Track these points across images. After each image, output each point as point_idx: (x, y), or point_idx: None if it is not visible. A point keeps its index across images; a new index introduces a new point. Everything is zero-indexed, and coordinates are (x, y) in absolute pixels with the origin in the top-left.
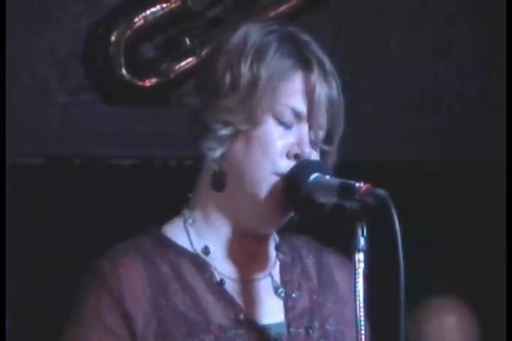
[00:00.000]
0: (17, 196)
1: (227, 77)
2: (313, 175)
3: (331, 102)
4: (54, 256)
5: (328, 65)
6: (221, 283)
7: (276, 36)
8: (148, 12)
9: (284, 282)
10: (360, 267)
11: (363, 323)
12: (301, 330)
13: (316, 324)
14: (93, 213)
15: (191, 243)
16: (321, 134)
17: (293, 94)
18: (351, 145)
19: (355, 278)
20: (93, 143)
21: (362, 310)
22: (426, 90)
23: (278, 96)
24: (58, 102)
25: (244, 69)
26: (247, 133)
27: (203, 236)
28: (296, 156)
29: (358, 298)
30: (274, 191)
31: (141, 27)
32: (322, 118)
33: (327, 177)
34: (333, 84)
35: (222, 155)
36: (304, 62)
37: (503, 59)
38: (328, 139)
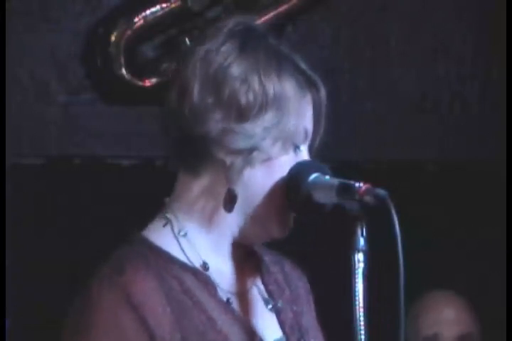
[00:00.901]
0: (17, 196)
1: (251, 99)
2: (313, 175)
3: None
4: (54, 256)
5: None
6: (228, 302)
7: (264, 52)
8: (148, 12)
9: (269, 291)
10: (360, 267)
11: (362, 323)
12: None
13: (306, 337)
14: (93, 213)
15: (187, 257)
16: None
17: (304, 115)
18: (351, 145)
19: (355, 278)
20: (93, 143)
21: (361, 310)
22: (426, 90)
23: (296, 118)
24: (58, 102)
25: (269, 89)
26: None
27: (200, 250)
28: None
29: (357, 298)
30: (281, 210)
31: (141, 27)
32: (320, 131)
33: (327, 177)
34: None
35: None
36: (307, 80)
37: (503, 59)
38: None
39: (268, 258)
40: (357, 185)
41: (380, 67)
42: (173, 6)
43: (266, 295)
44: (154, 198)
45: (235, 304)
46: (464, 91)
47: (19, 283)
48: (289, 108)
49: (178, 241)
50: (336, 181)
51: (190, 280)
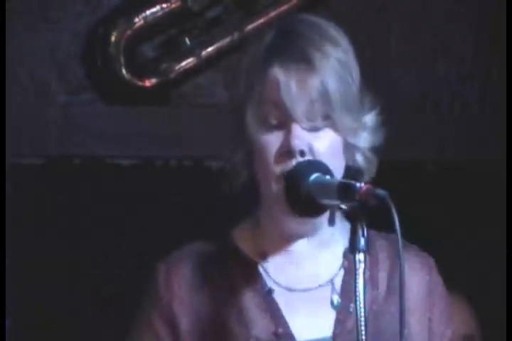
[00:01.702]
0: (17, 196)
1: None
2: (314, 175)
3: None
4: (54, 256)
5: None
6: (269, 292)
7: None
8: (148, 12)
9: (344, 292)
10: (361, 267)
11: (363, 323)
12: None
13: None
14: (93, 213)
15: (253, 248)
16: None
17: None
18: None
19: (355, 278)
20: (93, 143)
21: (362, 310)
22: (426, 90)
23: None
24: (58, 102)
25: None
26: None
27: (262, 242)
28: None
29: (357, 297)
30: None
31: (141, 27)
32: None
33: (327, 177)
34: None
35: None
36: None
37: (503, 59)
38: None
39: (377, 253)
40: (357, 185)
41: (380, 67)
42: (173, 6)
43: (337, 295)
44: (154, 198)
45: (280, 295)
46: (464, 91)
47: (19, 283)
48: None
49: (252, 234)
50: (336, 181)
51: (238, 274)
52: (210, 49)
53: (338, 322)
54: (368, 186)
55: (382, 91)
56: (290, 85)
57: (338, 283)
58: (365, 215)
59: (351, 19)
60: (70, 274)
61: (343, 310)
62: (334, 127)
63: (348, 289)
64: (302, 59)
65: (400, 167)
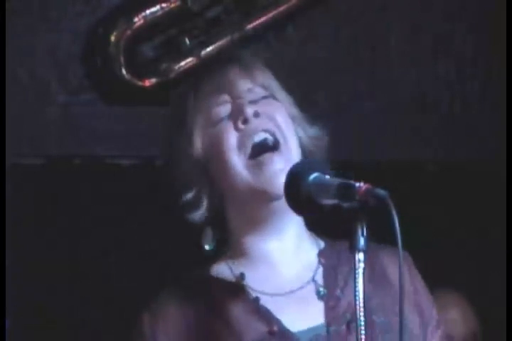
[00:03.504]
0: (17, 196)
1: None
2: (313, 175)
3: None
4: (54, 256)
5: None
6: (256, 300)
7: None
8: (148, 12)
9: (328, 284)
10: (360, 267)
11: (363, 323)
12: (343, 327)
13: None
14: (93, 213)
15: (231, 272)
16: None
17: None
18: (351, 145)
19: (355, 278)
20: (93, 143)
21: (362, 309)
22: (426, 90)
23: None
24: (58, 102)
25: None
26: None
27: (238, 262)
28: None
29: (357, 297)
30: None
31: (141, 27)
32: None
33: (327, 177)
34: None
35: None
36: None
37: (503, 59)
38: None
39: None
40: (357, 185)
41: (380, 67)
42: (172, 6)
43: (321, 288)
44: (154, 198)
45: (267, 301)
46: (464, 91)
47: (19, 283)
48: None
49: (226, 261)
50: (336, 181)
51: (224, 296)
52: (210, 49)
53: (329, 309)
54: (367, 186)
55: (382, 91)
56: (224, 78)
57: (319, 278)
58: (365, 215)
59: (351, 19)
60: (70, 274)
61: (331, 297)
62: (275, 99)
63: (330, 280)
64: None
65: (399, 167)
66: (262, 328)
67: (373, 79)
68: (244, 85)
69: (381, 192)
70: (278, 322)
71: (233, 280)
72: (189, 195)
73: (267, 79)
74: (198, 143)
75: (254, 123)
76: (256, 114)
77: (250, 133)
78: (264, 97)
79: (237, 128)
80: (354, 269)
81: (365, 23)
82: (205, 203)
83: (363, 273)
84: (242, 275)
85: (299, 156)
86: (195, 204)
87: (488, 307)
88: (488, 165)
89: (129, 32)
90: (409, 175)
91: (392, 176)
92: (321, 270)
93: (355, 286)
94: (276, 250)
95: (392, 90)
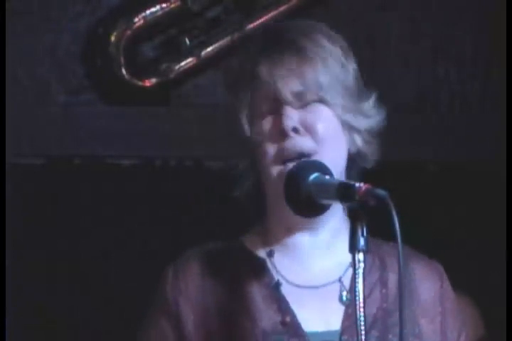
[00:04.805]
0: (17, 196)
1: None
2: (313, 175)
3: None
4: (54, 256)
5: None
6: (277, 285)
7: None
8: (148, 12)
9: (353, 289)
10: (360, 267)
11: (362, 323)
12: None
13: (375, 333)
14: (93, 213)
15: (261, 247)
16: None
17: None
18: None
19: (355, 278)
20: (93, 143)
21: (362, 309)
22: (426, 90)
23: None
24: (58, 102)
25: None
26: None
27: (270, 240)
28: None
29: (357, 298)
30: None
31: (141, 27)
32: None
33: (327, 177)
34: None
35: None
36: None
37: (503, 59)
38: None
39: (386, 256)
40: (357, 185)
41: (380, 67)
42: (172, 6)
43: (346, 291)
44: (154, 198)
45: (288, 290)
46: (464, 91)
47: (19, 283)
48: None
49: (261, 234)
50: (336, 181)
51: (247, 271)
52: (209, 49)
53: (347, 317)
54: (367, 186)
55: (382, 92)
56: (276, 70)
57: (346, 280)
58: (365, 215)
59: (351, 19)
60: (70, 274)
61: (352, 304)
62: (325, 102)
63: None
64: (293, 49)
65: (400, 167)
66: (276, 317)
67: (373, 79)
68: (294, 86)
69: (381, 192)
70: (292, 314)
71: (262, 254)
72: (242, 164)
73: (322, 74)
74: (246, 123)
75: (291, 142)
76: (295, 130)
77: (285, 153)
78: (313, 102)
79: (274, 141)
80: (354, 269)
81: (365, 23)
82: (250, 175)
83: (363, 274)
84: (271, 252)
85: (342, 161)
86: (245, 175)
87: (489, 308)
88: (488, 165)
89: (129, 32)
90: (409, 175)
91: (392, 176)
92: (350, 271)
93: (355, 286)
94: (308, 241)
95: (392, 90)
